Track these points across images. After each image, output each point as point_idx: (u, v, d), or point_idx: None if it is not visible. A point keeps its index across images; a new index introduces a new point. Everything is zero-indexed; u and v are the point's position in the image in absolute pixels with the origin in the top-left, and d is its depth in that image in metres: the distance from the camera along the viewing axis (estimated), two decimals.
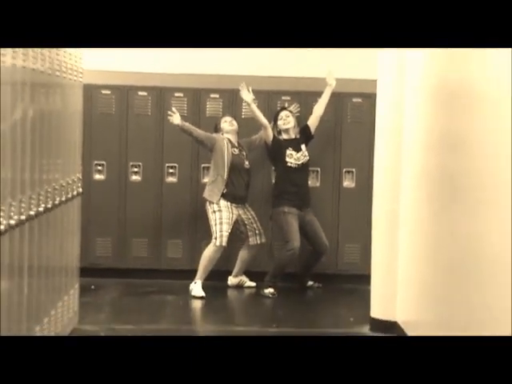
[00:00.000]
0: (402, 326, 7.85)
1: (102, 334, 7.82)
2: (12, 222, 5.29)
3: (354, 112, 9.95)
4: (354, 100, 9.92)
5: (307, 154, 9.47)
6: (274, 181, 9.65)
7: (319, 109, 9.49)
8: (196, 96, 9.98)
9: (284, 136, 9.48)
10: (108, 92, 9.98)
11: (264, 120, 9.30)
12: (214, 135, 9.43)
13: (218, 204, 9.30)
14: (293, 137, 9.50)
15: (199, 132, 9.41)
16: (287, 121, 9.47)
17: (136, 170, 10.07)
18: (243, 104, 9.59)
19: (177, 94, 9.84)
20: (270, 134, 9.35)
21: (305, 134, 9.52)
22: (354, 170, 10.03)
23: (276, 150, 9.44)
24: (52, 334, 6.86)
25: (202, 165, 9.80)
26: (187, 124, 9.40)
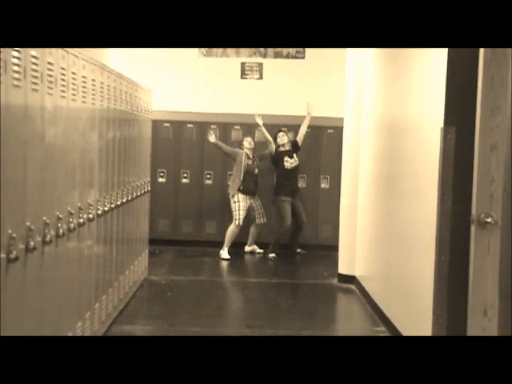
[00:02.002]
0: (358, 278, 7.87)
1: (163, 282, 7.88)
2: (106, 208, 5.41)
3: (328, 139, 9.93)
4: (328, 131, 9.90)
5: (297, 160, 9.49)
6: (275, 178, 9.64)
7: (303, 129, 9.52)
8: (225, 127, 10.02)
9: (281, 148, 9.50)
10: (168, 125, 9.99)
11: (270, 138, 9.41)
12: (236, 150, 9.43)
13: (237, 197, 9.32)
14: (287, 148, 9.51)
15: (227, 148, 9.46)
16: (282, 139, 9.51)
17: (185, 175, 10.08)
18: (256, 130, 9.62)
19: (212, 126, 9.84)
20: (273, 147, 9.44)
21: (295, 147, 9.54)
22: (328, 176, 10.01)
23: (277, 157, 9.49)
24: (131, 281, 6.93)
25: (228, 172, 9.78)
26: (219, 142, 9.47)
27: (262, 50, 10.39)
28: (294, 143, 9.58)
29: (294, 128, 9.75)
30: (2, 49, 3.10)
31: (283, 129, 9.66)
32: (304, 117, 9.51)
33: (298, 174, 9.71)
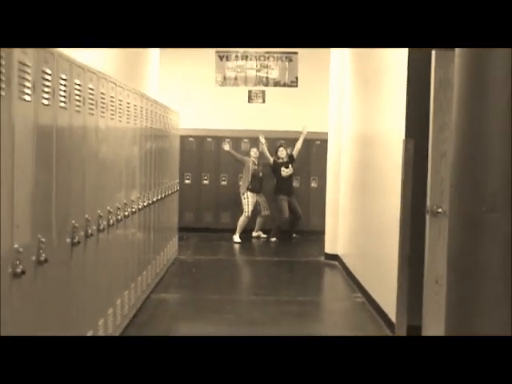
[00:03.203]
0: (340, 256, 7.86)
1: (189, 261, 7.85)
2: (145, 204, 5.42)
3: (317, 148, 9.89)
4: (317, 143, 9.85)
5: (292, 170, 9.46)
6: (275, 183, 9.57)
7: (298, 145, 9.45)
8: (236, 141, 9.99)
9: (280, 160, 9.46)
10: (192, 139, 9.98)
11: (268, 155, 9.37)
12: (246, 158, 9.41)
13: (246, 194, 9.31)
14: (285, 160, 9.46)
15: (238, 156, 9.44)
16: (282, 153, 9.47)
17: (206, 178, 10.08)
18: (260, 144, 9.52)
19: (227, 140, 9.77)
20: (271, 161, 9.40)
21: (291, 159, 9.49)
22: (316, 177, 9.98)
23: (275, 167, 9.45)
24: (165, 260, 6.89)
25: (239, 175, 9.76)
26: (232, 151, 9.45)
27: (264, 79, 10.43)
28: (290, 156, 9.53)
29: (288, 140, 9.69)
30: (66, 82, 3.16)
31: (283, 143, 9.62)
32: (298, 132, 9.46)
33: (292, 179, 9.66)
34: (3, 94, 2.40)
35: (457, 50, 2.61)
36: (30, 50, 2.67)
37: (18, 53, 2.53)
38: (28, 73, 2.64)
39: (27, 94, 2.65)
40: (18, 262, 2.53)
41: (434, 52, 4.24)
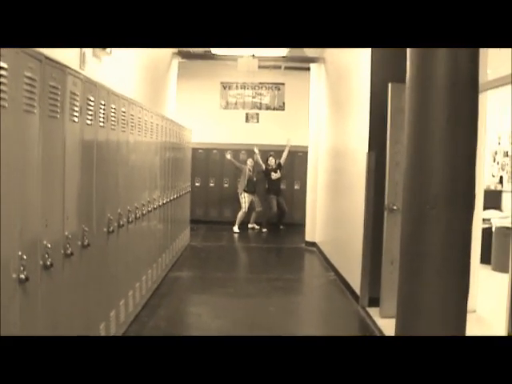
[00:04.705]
0: (317, 243, 7.82)
1: (199, 247, 7.74)
2: (164, 201, 5.37)
3: (299, 159, 9.80)
4: (299, 154, 9.75)
5: (280, 174, 9.43)
6: (266, 184, 9.52)
7: (284, 155, 9.37)
8: (236, 152, 9.93)
9: (270, 167, 9.42)
10: (201, 151, 9.91)
11: (261, 163, 9.33)
12: (243, 166, 9.36)
13: (243, 194, 9.29)
14: (274, 167, 9.43)
15: (237, 164, 9.40)
16: (271, 161, 9.43)
17: (212, 181, 10.03)
18: (254, 155, 9.46)
19: (228, 151, 9.78)
20: (263, 168, 9.37)
21: (279, 166, 9.45)
22: (299, 181, 9.91)
23: (267, 172, 9.41)
24: (180, 246, 6.79)
25: (238, 179, 9.64)
26: (233, 160, 9.44)
27: (258, 104, 10.49)
28: (278, 164, 9.51)
29: (277, 152, 9.63)
30: (105, 107, 3.19)
31: (272, 154, 9.62)
32: (284, 145, 9.46)
33: (280, 182, 9.63)
34: (59, 116, 2.46)
35: (407, 83, 2.69)
36: (79, 82, 2.73)
37: (70, 84, 2.59)
38: (77, 100, 2.69)
39: (75, 116, 2.70)
40: (68, 246, 2.59)
41: (390, 85, 4.32)
